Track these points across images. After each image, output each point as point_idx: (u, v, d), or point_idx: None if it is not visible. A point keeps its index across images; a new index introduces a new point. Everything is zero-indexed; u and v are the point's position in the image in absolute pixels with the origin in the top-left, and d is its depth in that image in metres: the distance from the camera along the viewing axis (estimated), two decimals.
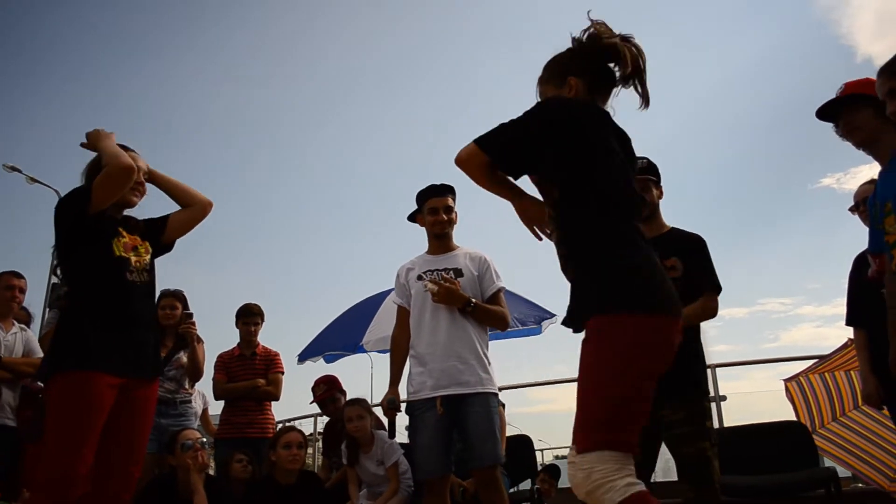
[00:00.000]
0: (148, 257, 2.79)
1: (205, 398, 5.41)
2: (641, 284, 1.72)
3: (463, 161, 1.93)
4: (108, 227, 2.68)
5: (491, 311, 3.45)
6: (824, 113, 2.60)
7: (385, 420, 3.63)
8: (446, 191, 3.58)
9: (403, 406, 3.59)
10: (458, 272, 3.48)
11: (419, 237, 3.70)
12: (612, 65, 2.00)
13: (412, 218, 3.70)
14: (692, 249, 3.02)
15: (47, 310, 4.27)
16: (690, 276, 2.96)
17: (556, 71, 2.03)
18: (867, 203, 2.74)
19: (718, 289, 2.98)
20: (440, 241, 3.61)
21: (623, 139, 1.95)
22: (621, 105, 2.02)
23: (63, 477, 2.33)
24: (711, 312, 2.96)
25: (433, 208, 3.57)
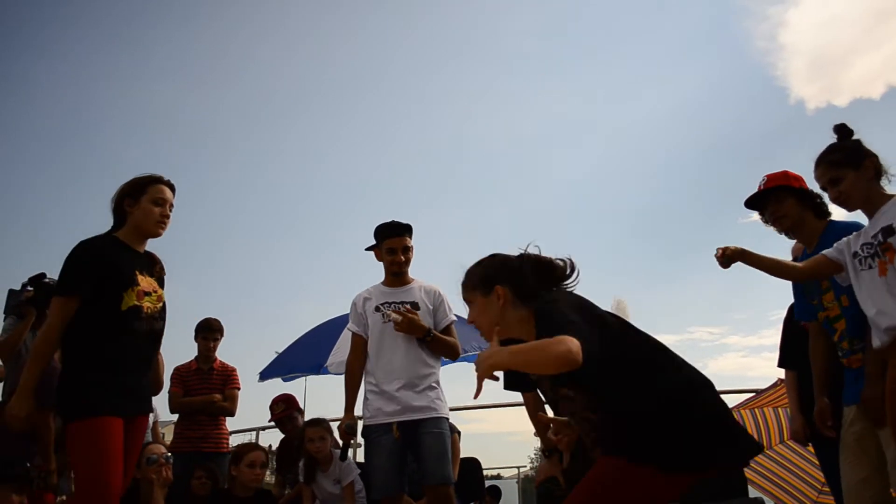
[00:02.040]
0: (160, 305, 2.89)
1: (155, 411, 5.39)
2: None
3: (573, 362, 1.76)
4: (125, 277, 2.77)
5: (445, 342, 3.63)
6: (751, 203, 2.94)
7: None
8: (404, 230, 3.70)
9: (359, 430, 3.72)
10: (415, 305, 3.63)
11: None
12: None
13: (370, 249, 3.81)
14: None
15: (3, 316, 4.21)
16: None
17: (482, 279, 2.15)
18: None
19: None
20: (397, 276, 3.75)
21: None
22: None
23: None
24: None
25: (391, 248, 3.69)
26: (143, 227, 2.88)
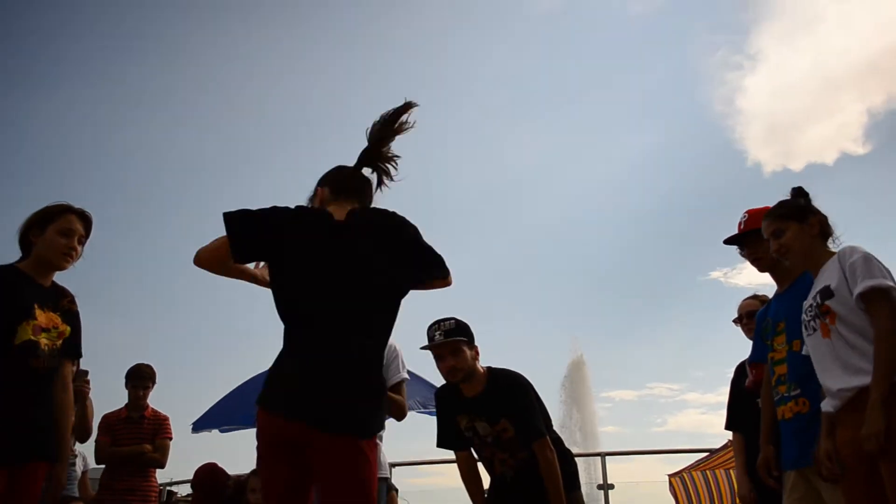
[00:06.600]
0: (61, 342, 2.71)
1: (85, 460, 5.12)
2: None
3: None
4: (20, 308, 2.59)
5: (392, 400, 3.48)
6: (731, 240, 2.94)
7: None
8: None
9: None
10: None
11: None
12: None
13: None
14: (513, 404, 3.21)
15: None
16: (521, 430, 3.18)
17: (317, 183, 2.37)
18: (755, 317, 3.02)
19: (541, 434, 3.15)
20: None
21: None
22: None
23: None
24: (547, 462, 3.10)
25: None
26: (47, 257, 2.71)
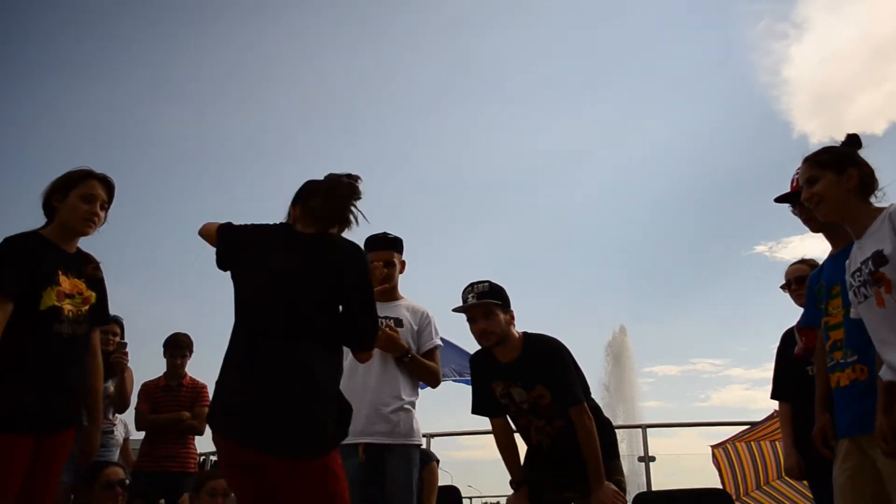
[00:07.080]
0: (87, 308, 2.70)
1: (126, 427, 5.19)
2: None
3: None
4: (43, 274, 2.58)
5: (425, 366, 3.42)
6: (783, 198, 2.76)
7: None
8: (387, 245, 3.53)
9: None
10: (398, 322, 3.43)
11: None
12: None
13: None
14: (549, 370, 3.11)
15: None
16: (557, 396, 3.08)
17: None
18: (807, 282, 2.84)
19: (578, 400, 3.05)
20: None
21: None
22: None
23: None
24: (584, 429, 3.00)
25: (373, 261, 3.48)
26: (69, 223, 2.71)
